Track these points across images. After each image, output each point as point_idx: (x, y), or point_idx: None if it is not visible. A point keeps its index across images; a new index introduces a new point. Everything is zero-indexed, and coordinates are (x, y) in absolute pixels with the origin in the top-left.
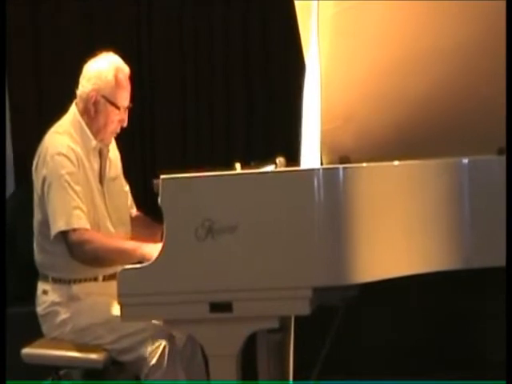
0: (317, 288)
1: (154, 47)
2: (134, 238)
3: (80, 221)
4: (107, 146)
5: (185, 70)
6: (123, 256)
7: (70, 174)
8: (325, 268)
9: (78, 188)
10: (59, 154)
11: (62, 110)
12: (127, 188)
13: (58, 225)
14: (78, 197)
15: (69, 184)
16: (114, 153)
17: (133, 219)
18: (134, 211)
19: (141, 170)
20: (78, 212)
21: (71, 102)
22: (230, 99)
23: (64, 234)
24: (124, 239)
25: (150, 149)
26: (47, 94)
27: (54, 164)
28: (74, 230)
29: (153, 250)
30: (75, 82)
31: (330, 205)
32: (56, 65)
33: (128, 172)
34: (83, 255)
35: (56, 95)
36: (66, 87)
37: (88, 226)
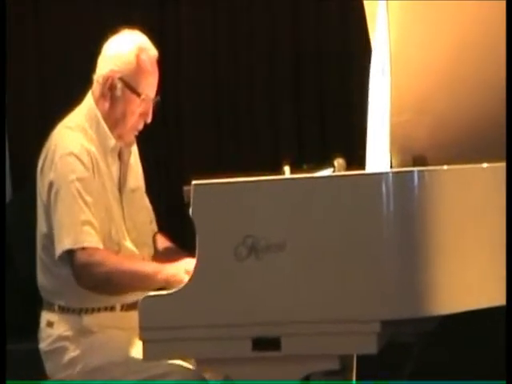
0: (386, 321)
1: (183, 30)
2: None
3: (90, 238)
4: (128, 146)
5: (218, 57)
6: (141, 281)
7: (81, 180)
8: (396, 296)
9: (89, 199)
10: (70, 154)
11: (71, 102)
12: (148, 203)
13: (64, 242)
14: (90, 209)
15: (79, 193)
16: (135, 159)
17: (153, 241)
18: (155, 231)
19: (164, 179)
20: (87, 228)
21: (83, 92)
22: (277, 91)
23: (70, 254)
24: (143, 260)
25: (176, 151)
26: (52, 83)
27: (63, 167)
28: (83, 249)
29: (179, 272)
30: (88, 68)
31: (402, 217)
32: (62, 51)
33: (149, 181)
34: (91, 280)
35: (63, 84)
36: (76, 75)
37: (100, 246)
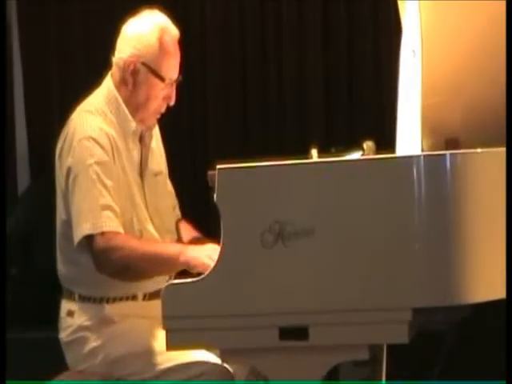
0: (418, 309)
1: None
2: None
3: (110, 223)
4: (150, 129)
5: (245, 40)
6: (162, 263)
7: (100, 163)
8: (428, 283)
9: (109, 182)
10: (88, 138)
11: (89, 85)
12: (171, 188)
13: (83, 228)
14: (109, 193)
15: (98, 176)
16: (157, 143)
17: (176, 228)
18: (179, 217)
19: (190, 164)
20: (107, 212)
21: (100, 76)
22: (304, 72)
23: (89, 240)
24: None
25: (201, 134)
26: (71, 66)
27: (82, 151)
28: (102, 233)
29: (201, 256)
30: (106, 51)
31: (434, 202)
32: (81, 32)
33: (173, 166)
34: (110, 266)
35: (82, 66)
36: (94, 57)
37: (120, 230)
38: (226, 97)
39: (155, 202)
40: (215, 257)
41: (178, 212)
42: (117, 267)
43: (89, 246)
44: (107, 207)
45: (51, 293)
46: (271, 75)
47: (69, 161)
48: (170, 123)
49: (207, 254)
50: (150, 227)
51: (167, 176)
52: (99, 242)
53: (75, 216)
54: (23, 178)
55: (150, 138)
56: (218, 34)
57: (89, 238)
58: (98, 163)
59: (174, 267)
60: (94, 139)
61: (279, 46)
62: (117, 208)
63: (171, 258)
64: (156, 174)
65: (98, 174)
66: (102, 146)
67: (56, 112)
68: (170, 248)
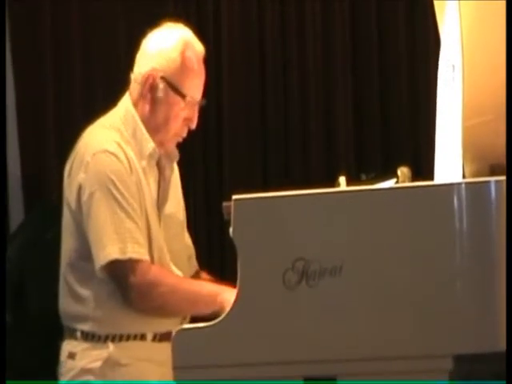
0: (460, 357)
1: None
2: None
3: (139, 249)
4: (169, 157)
5: (267, 56)
6: (199, 303)
7: (121, 179)
8: (472, 327)
9: (132, 201)
10: (104, 151)
11: (94, 104)
12: (189, 241)
13: (108, 251)
14: (136, 215)
15: (121, 194)
16: (175, 181)
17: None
18: (195, 268)
19: (203, 193)
20: (135, 236)
21: (115, 96)
22: (332, 89)
23: (113, 266)
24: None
25: (217, 160)
26: (78, 82)
27: (97, 165)
28: (134, 261)
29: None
30: (119, 68)
31: (477, 234)
32: (88, 46)
33: (185, 194)
34: (148, 302)
35: (90, 83)
36: (104, 73)
37: (147, 257)
38: (244, 119)
39: (169, 242)
40: None
41: (194, 263)
42: (155, 304)
43: (113, 272)
44: (134, 230)
45: (49, 340)
46: (294, 94)
47: (80, 177)
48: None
49: None
50: (171, 264)
51: (185, 227)
52: (131, 273)
53: (96, 238)
54: (16, 213)
55: (171, 170)
56: (238, 54)
57: (113, 264)
58: (119, 178)
59: (211, 307)
60: (112, 153)
61: (305, 70)
62: (141, 229)
63: (210, 297)
64: (172, 215)
65: (119, 191)
66: (120, 161)
67: (52, 140)
68: (208, 287)
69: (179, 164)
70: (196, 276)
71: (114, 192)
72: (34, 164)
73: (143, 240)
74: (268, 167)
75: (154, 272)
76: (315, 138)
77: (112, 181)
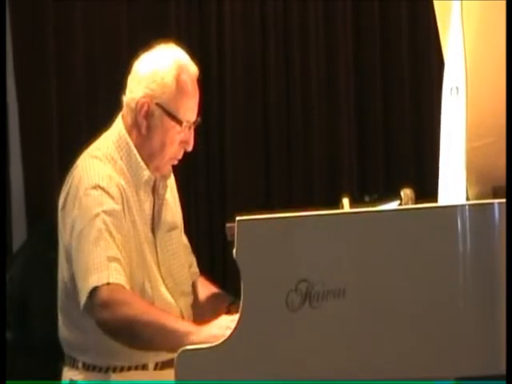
0: (463, 379)
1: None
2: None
3: (117, 275)
4: (165, 178)
5: (269, 73)
6: (168, 338)
7: (109, 213)
8: (474, 350)
9: (117, 235)
10: (96, 187)
11: (98, 122)
12: (186, 242)
13: (88, 282)
14: (118, 246)
15: (107, 226)
16: (172, 193)
17: (193, 287)
18: (197, 275)
19: (206, 213)
20: (114, 265)
21: (111, 117)
22: (335, 109)
23: (93, 294)
24: (176, 316)
25: (219, 181)
26: (77, 98)
27: (88, 202)
28: (108, 284)
29: (221, 332)
30: (117, 86)
31: (481, 257)
32: (88, 62)
33: (187, 215)
34: (112, 321)
35: (90, 100)
36: (104, 92)
37: (127, 286)
38: (246, 139)
39: (168, 262)
40: (232, 326)
41: (195, 269)
42: (120, 323)
43: (92, 301)
44: (114, 259)
45: (51, 361)
46: (297, 114)
47: (74, 213)
48: (185, 172)
49: (226, 326)
50: (163, 289)
51: (182, 230)
52: (101, 294)
53: (80, 271)
54: (19, 232)
55: (165, 187)
56: (238, 74)
57: (93, 293)
58: (106, 212)
59: (180, 345)
60: (103, 188)
61: (307, 88)
62: (123, 261)
63: (180, 335)
64: (170, 229)
65: (106, 224)
66: (111, 196)
67: (55, 157)
68: (180, 324)
69: (182, 184)
70: (196, 282)
71: (99, 225)
72: (37, 182)
73: (123, 269)
74: (271, 188)
75: (124, 293)
76: (318, 159)
77: (98, 214)
